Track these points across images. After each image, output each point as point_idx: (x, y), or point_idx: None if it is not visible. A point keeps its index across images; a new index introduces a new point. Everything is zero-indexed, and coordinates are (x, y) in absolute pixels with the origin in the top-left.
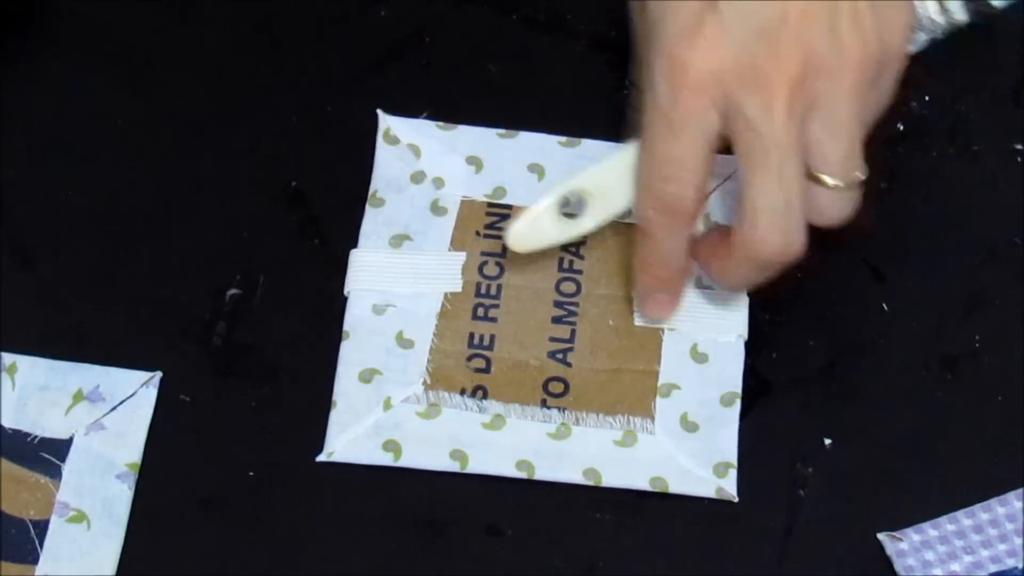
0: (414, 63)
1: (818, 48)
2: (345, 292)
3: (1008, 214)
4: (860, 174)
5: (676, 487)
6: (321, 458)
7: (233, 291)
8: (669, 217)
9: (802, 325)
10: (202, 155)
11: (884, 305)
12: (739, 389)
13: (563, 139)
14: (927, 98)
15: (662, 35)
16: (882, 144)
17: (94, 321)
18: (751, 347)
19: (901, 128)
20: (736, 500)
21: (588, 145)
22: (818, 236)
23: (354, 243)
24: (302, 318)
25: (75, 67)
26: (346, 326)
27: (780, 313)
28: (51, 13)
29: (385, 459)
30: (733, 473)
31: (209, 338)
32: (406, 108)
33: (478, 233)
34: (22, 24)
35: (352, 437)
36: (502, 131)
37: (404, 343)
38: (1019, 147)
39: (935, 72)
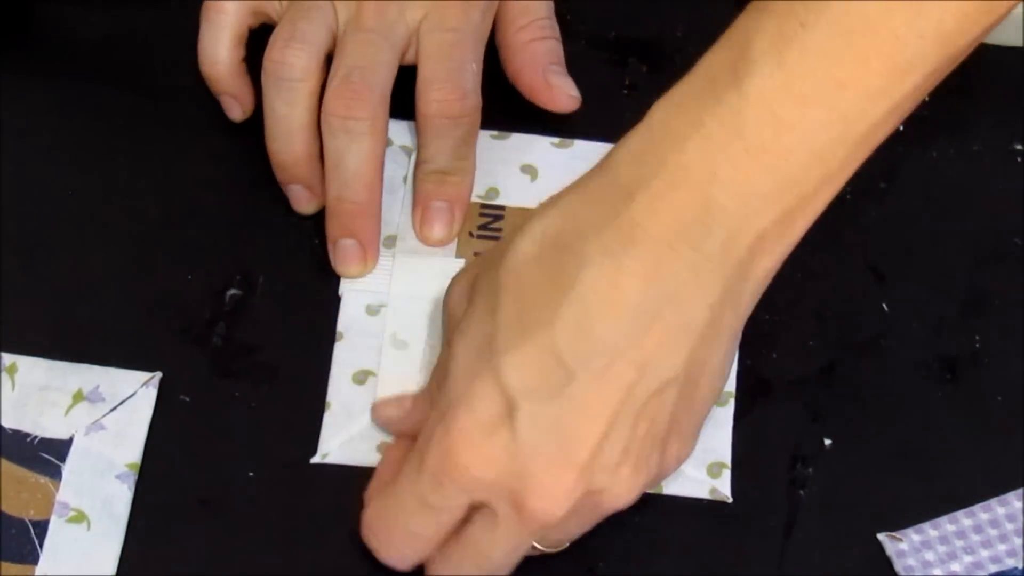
0: (408, 65)
1: (585, 497)
2: (339, 293)
3: (1008, 214)
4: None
5: (670, 488)
6: (315, 459)
7: (233, 291)
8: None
9: (802, 325)
10: (202, 155)
11: (884, 305)
12: (733, 388)
13: (556, 140)
14: (927, 98)
15: (454, 417)
16: (882, 144)
17: (94, 321)
18: (751, 347)
19: (901, 128)
20: (730, 501)
21: (581, 146)
22: (818, 236)
23: None
24: (302, 318)
25: (75, 68)
26: (340, 327)
27: (780, 313)
28: (51, 14)
29: (379, 461)
30: (727, 474)
31: (209, 338)
32: (399, 110)
33: (471, 234)
34: (22, 25)
35: (346, 438)
36: (495, 132)
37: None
38: (1019, 147)
39: None
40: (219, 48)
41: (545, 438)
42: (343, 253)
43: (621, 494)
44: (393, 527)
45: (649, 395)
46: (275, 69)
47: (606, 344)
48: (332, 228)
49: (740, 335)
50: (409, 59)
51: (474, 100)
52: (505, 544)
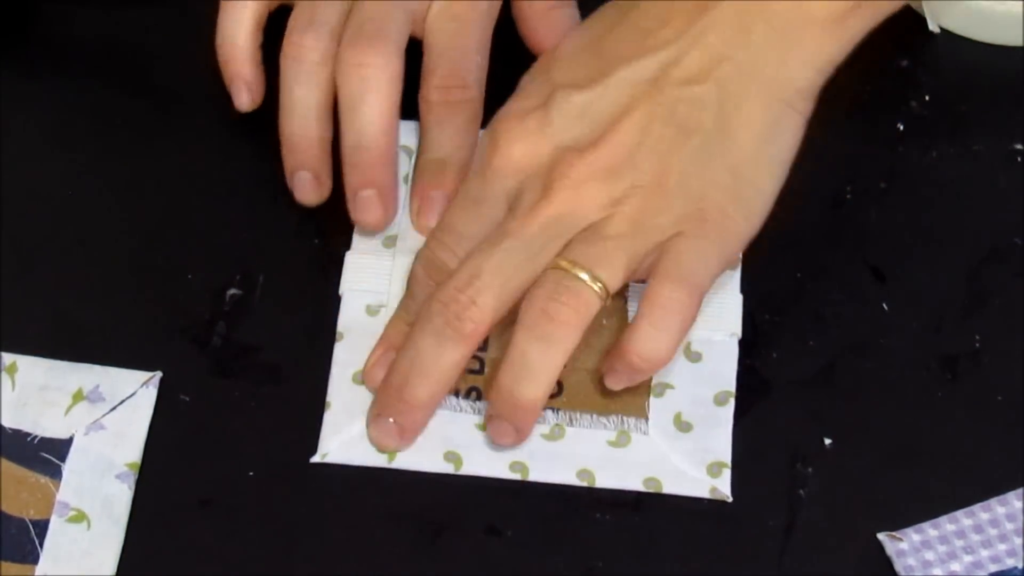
0: (409, 65)
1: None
2: (340, 293)
3: (1008, 214)
4: (608, 284)
5: (670, 487)
6: (315, 459)
7: (233, 291)
8: (431, 275)
9: (802, 325)
10: (202, 155)
11: (884, 305)
12: (733, 388)
13: None
14: (927, 98)
15: (508, 106)
16: (882, 144)
17: (94, 321)
18: (751, 347)
19: (901, 128)
20: (730, 500)
21: None
22: (818, 236)
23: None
24: (302, 318)
25: (75, 67)
26: (340, 327)
27: (780, 313)
28: (51, 14)
29: (379, 460)
30: (727, 473)
31: (209, 338)
32: (401, 110)
33: None
34: (22, 25)
35: (346, 438)
36: None
37: None
38: (1019, 147)
39: (935, 72)
40: (240, 31)
41: (574, 121)
42: (363, 203)
43: (650, 200)
44: (445, 225)
45: (677, 93)
46: (295, 52)
47: (646, 48)
48: (351, 178)
49: (795, 123)
50: (417, 31)
51: (476, 91)
52: (538, 229)
